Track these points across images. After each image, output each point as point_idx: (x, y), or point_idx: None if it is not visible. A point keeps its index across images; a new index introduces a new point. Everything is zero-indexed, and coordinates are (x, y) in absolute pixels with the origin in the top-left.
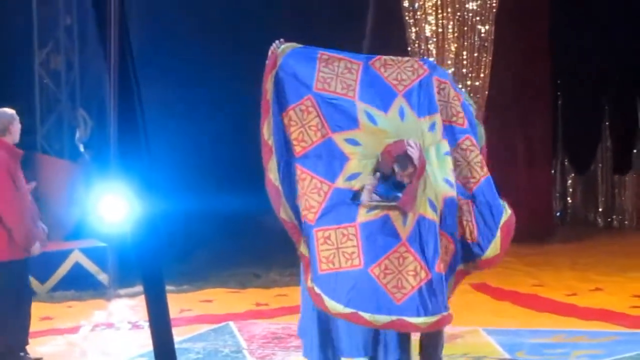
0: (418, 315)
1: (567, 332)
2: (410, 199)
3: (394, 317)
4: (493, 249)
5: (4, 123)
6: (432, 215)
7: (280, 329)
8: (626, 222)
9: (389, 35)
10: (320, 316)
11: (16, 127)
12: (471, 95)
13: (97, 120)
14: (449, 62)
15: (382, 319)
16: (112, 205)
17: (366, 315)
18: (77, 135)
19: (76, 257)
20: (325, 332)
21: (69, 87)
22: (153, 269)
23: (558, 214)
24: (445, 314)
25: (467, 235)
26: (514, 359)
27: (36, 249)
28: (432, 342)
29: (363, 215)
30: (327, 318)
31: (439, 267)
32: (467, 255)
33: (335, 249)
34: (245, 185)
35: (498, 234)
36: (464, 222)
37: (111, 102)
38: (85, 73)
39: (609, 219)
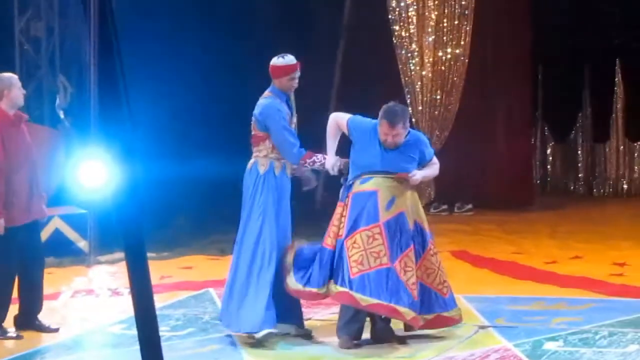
0: (363, 293)
1: (546, 299)
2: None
3: (342, 289)
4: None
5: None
6: (409, 219)
7: None
8: (606, 191)
9: (370, 2)
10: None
11: (15, 93)
12: (452, 63)
13: (77, 86)
14: (429, 29)
15: (334, 289)
16: (92, 172)
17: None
18: (57, 101)
19: (56, 223)
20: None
21: (49, 54)
22: (134, 235)
23: (538, 182)
24: (395, 306)
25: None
26: (494, 326)
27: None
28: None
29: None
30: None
31: (399, 264)
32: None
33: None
34: (225, 152)
35: None
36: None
37: (92, 67)
38: (66, 39)
39: (589, 187)
